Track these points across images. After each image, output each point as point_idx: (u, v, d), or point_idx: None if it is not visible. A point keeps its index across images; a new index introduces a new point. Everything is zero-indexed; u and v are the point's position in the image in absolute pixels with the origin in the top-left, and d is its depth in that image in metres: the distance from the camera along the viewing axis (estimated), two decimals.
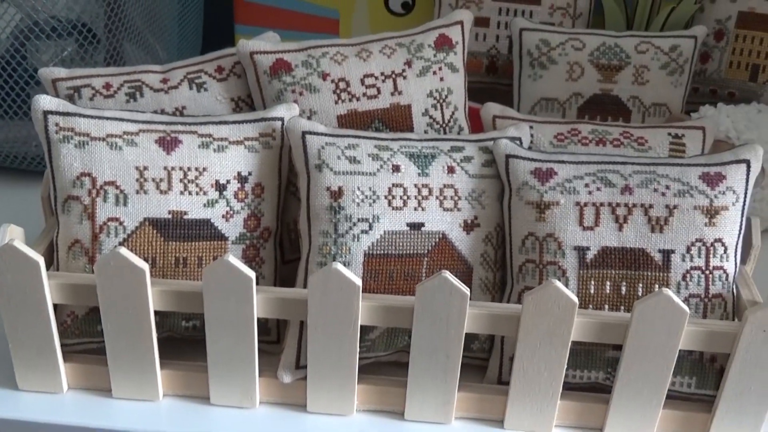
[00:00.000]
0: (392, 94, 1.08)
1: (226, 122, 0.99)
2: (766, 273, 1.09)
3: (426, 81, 1.10)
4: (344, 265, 0.91)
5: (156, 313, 0.91)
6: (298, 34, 1.69)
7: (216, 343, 0.91)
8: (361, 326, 0.89)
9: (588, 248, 0.92)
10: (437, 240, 0.95)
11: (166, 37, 1.59)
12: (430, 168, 0.96)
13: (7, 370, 0.96)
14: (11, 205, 1.35)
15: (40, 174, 1.28)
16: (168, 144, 0.95)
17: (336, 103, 1.06)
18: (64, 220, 0.95)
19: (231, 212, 0.96)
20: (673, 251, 0.92)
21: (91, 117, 0.95)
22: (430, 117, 1.09)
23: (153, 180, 0.94)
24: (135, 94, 1.08)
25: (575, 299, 0.84)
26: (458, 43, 1.14)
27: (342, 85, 1.07)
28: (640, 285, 0.92)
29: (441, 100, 1.10)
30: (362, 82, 1.07)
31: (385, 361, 0.99)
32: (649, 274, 0.92)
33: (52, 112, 0.94)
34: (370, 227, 0.93)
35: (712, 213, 0.92)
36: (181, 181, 0.95)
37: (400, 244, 0.93)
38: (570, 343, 0.87)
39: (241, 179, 0.97)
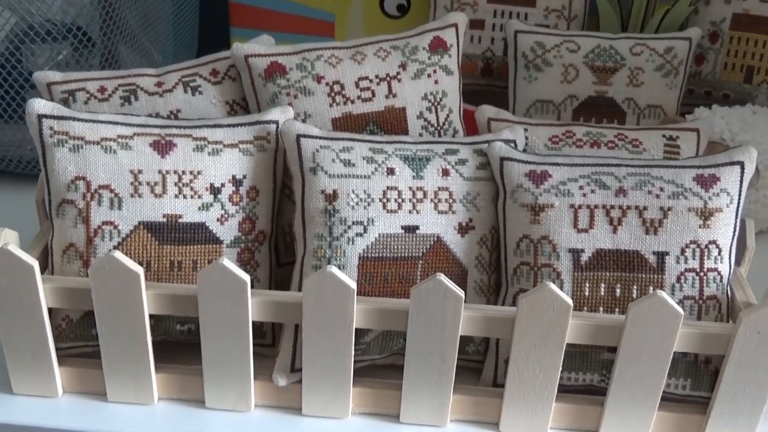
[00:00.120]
0: (387, 96, 1.08)
1: (220, 125, 0.99)
2: (761, 274, 1.09)
3: (420, 84, 1.10)
4: (339, 268, 0.92)
5: (151, 316, 0.91)
6: (294, 37, 1.69)
7: (211, 346, 0.90)
8: (356, 329, 0.89)
9: (582, 250, 0.93)
10: (432, 243, 0.95)
11: (161, 40, 1.59)
12: (424, 171, 0.96)
13: (2, 374, 0.96)
14: (6, 209, 1.35)
15: (35, 177, 1.28)
16: (162, 147, 0.95)
17: (330, 106, 1.07)
18: (58, 224, 0.95)
19: (226, 215, 0.96)
20: (667, 253, 0.92)
21: (86, 120, 0.95)
22: (425, 120, 1.09)
23: (148, 183, 0.94)
24: (130, 98, 1.08)
25: (570, 301, 0.84)
26: (453, 46, 1.14)
27: (336, 87, 1.07)
28: (635, 287, 0.92)
29: (435, 103, 1.10)
30: (357, 84, 1.07)
31: (380, 364, 0.99)
32: (644, 276, 0.92)
33: (46, 116, 0.94)
34: (365, 230, 0.93)
35: (706, 215, 0.92)
36: (175, 184, 0.95)
37: (395, 247, 0.94)
38: (565, 346, 0.87)
39: (236, 182, 0.97)
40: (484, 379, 0.98)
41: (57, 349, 0.94)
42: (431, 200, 0.95)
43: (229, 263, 0.84)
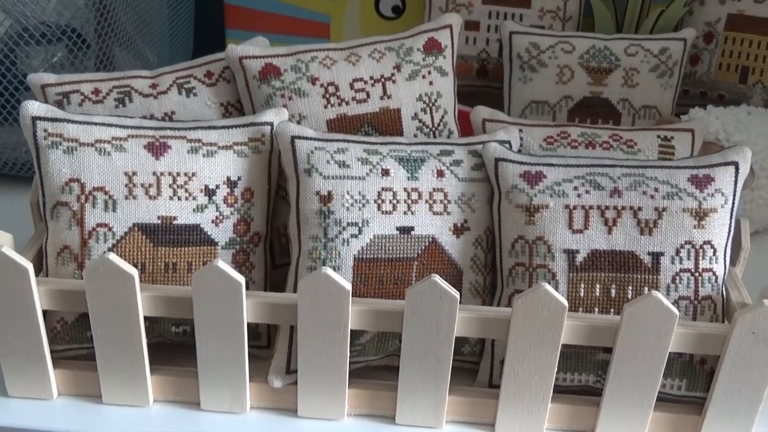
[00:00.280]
0: (381, 98, 1.08)
1: (215, 127, 0.99)
2: (756, 275, 1.09)
3: (415, 85, 1.10)
4: (334, 269, 0.92)
5: (146, 318, 0.91)
6: (290, 38, 1.69)
7: (206, 348, 0.90)
8: (352, 330, 0.89)
9: (577, 251, 0.93)
10: (427, 244, 0.95)
11: (156, 42, 1.59)
12: (419, 172, 0.96)
13: None
14: (0, 211, 1.35)
15: (30, 180, 1.28)
16: (157, 149, 0.95)
17: (325, 107, 1.06)
18: (53, 226, 0.95)
19: (220, 217, 0.96)
20: (662, 254, 0.92)
21: (80, 123, 0.95)
22: (420, 121, 1.09)
23: (142, 185, 0.94)
24: (124, 100, 1.07)
25: (565, 302, 0.84)
26: (447, 47, 1.14)
27: (331, 89, 1.07)
28: (630, 287, 0.92)
29: (430, 104, 1.10)
30: (351, 86, 1.07)
31: (376, 365, 0.99)
32: (639, 276, 0.92)
33: (40, 118, 0.94)
34: (360, 231, 0.93)
35: (700, 215, 0.92)
36: (170, 186, 0.95)
37: (390, 248, 0.93)
38: (560, 346, 0.87)
39: (231, 184, 0.97)
40: (480, 380, 0.98)
41: (52, 352, 0.94)
42: (426, 201, 0.95)
43: (223, 265, 0.84)
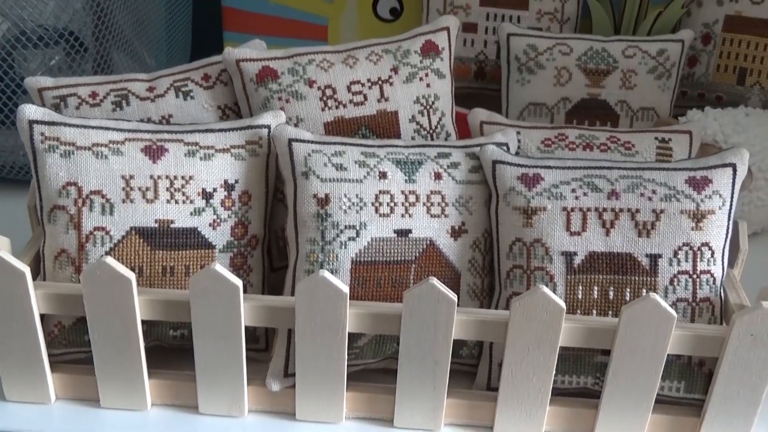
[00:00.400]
0: (379, 100, 1.08)
1: (212, 130, 0.99)
2: (754, 276, 1.09)
3: (413, 87, 1.10)
4: (331, 272, 0.91)
5: (143, 322, 0.90)
6: (288, 41, 1.69)
7: (204, 351, 0.90)
8: (350, 333, 0.89)
9: (575, 253, 0.93)
10: (425, 246, 0.95)
11: (154, 45, 1.59)
12: (416, 174, 0.96)
13: None
14: None
15: (28, 183, 1.27)
16: (154, 152, 0.95)
17: (323, 110, 1.06)
18: (50, 230, 0.95)
19: (218, 220, 0.96)
20: (660, 256, 0.92)
21: (77, 126, 0.95)
22: (417, 123, 1.09)
23: (139, 189, 0.94)
24: (121, 103, 1.07)
25: (563, 305, 0.84)
26: (444, 49, 1.14)
27: (328, 92, 1.07)
28: (628, 290, 0.92)
29: (428, 106, 1.10)
30: (349, 88, 1.07)
31: (374, 368, 0.99)
32: (637, 278, 0.92)
33: (37, 122, 0.94)
34: (357, 234, 0.93)
35: (698, 217, 0.92)
36: (167, 189, 0.94)
37: (388, 250, 0.93)
38: (558, 349, 0.87)
39: (228, 187, 0.97)
40: (478, 383, 0.98)
41: (49, 356, 0.94)
42: (424, 204, 0.95)
43: (221, 268, 0.84)
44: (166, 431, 0.93)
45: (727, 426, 0.92)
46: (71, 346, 0.95)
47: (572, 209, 0.93)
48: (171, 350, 0.99)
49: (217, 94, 1.10)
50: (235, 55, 1.08)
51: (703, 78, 1.53)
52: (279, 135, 0.96)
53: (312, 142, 0.96)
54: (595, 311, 0.92)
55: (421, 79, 1.10)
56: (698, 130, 1.11)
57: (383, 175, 0.95)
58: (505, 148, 1.01)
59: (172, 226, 0.94)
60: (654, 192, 0.93)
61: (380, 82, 1.08)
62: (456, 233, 0.96)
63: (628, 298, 0.92)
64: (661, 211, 0.92)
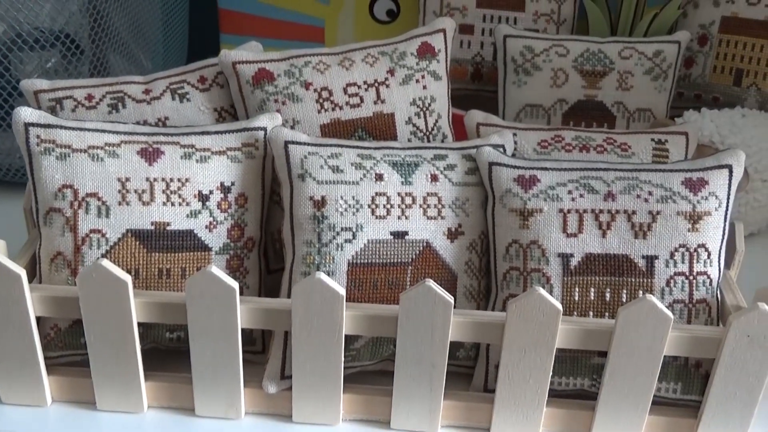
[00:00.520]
0: (375, 102, 1.08)
1: (208, 132, 0.99)
2: (750, 278, 1.09)
3: (409, 89, 1.10)
4: (328, 274, 0.91)
5: (140, 324, 0.90)
6: (284, 43, 1.69)
7: (200, 354, 0.90)
8: (346, 336, 0.89)
9: (572, 255, 0.92)
10: (421, 248, 0.95)
11: (151, 47, 1.59)
12: (413, 176, 0.96)
13: None
14: None
15: (24, 186, 1.27)
16: (150, 155, 0.95)
17: (319, 112, 1.06)
18: (46, 233, 0.94)
19: (214, 223, 0.96)
20: (656, 257, 0.92)
21: (73, 129, 0.95)
22: (414, 125, 1.09)
23: (135, 191, 0.94)
24: (117, 105, 1.07)
25: (559, 306, 0.84)
26: (441, 51, 1.14)
27: (325, 94, 1.07)
28: (624, 291, 0.92)
29: (424, 108, 1.10)
30: (345, 91, 1.07)
31: (371, 371, 0.99)
32: (633, 280, 0.92)
33: (33, 124, 0.94)
34: (354, 236, 0.93)
35: (695, 218, 0.92)
36: (163, 192, 0.94)
37: (384, 253, 0.93)
38: (555, 350, 0.87)
39: (224, 189, 0.97)
40: (475, 385, 0.98)
41: (45, 358, 0.94)
42: (420, 206, 0.95)
43: (217, 270, 0.84)
44: None
45: (724, 427, 0.92)
46: (67, 348, 0.95)
47: (569, 211, 0.93)
48: (167, 352, 0.99)
49: (213, 96, 1.10)
50: (231, 58, 1.08)
51: (700, 79, 1.53)
52: (275, 137, 0.96)
53: (308, 144, 0.96)
54: (591, 313, 0.92)
55: (417, 81, 1.10)
56: (695, 132, 1.11)
57: (380, 177, 0.95)
58: (501, 149, 1.01)
59: (168, 228, 0.94)
60: (650, 193, 0.93)
61: (376, 84, 1.08)
62: (452, 235, 0.96)
63: (624, 300, 0.92)
64: (658, 213, 0.92)
